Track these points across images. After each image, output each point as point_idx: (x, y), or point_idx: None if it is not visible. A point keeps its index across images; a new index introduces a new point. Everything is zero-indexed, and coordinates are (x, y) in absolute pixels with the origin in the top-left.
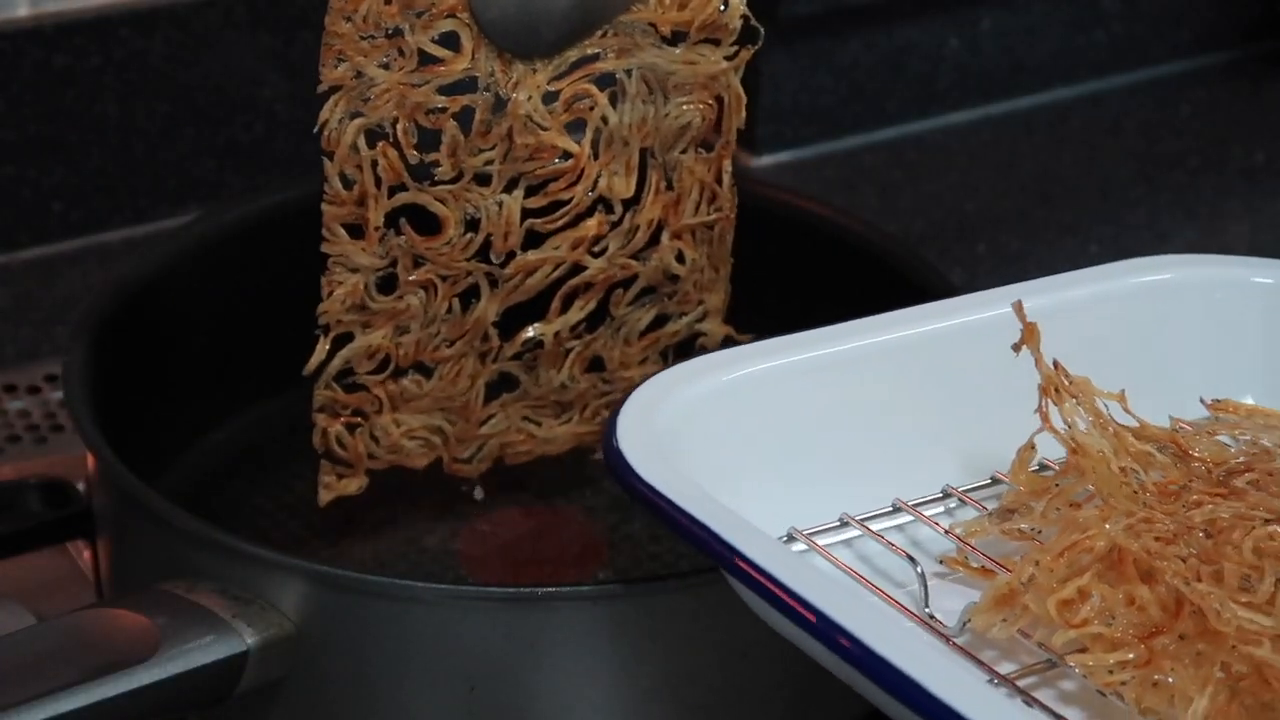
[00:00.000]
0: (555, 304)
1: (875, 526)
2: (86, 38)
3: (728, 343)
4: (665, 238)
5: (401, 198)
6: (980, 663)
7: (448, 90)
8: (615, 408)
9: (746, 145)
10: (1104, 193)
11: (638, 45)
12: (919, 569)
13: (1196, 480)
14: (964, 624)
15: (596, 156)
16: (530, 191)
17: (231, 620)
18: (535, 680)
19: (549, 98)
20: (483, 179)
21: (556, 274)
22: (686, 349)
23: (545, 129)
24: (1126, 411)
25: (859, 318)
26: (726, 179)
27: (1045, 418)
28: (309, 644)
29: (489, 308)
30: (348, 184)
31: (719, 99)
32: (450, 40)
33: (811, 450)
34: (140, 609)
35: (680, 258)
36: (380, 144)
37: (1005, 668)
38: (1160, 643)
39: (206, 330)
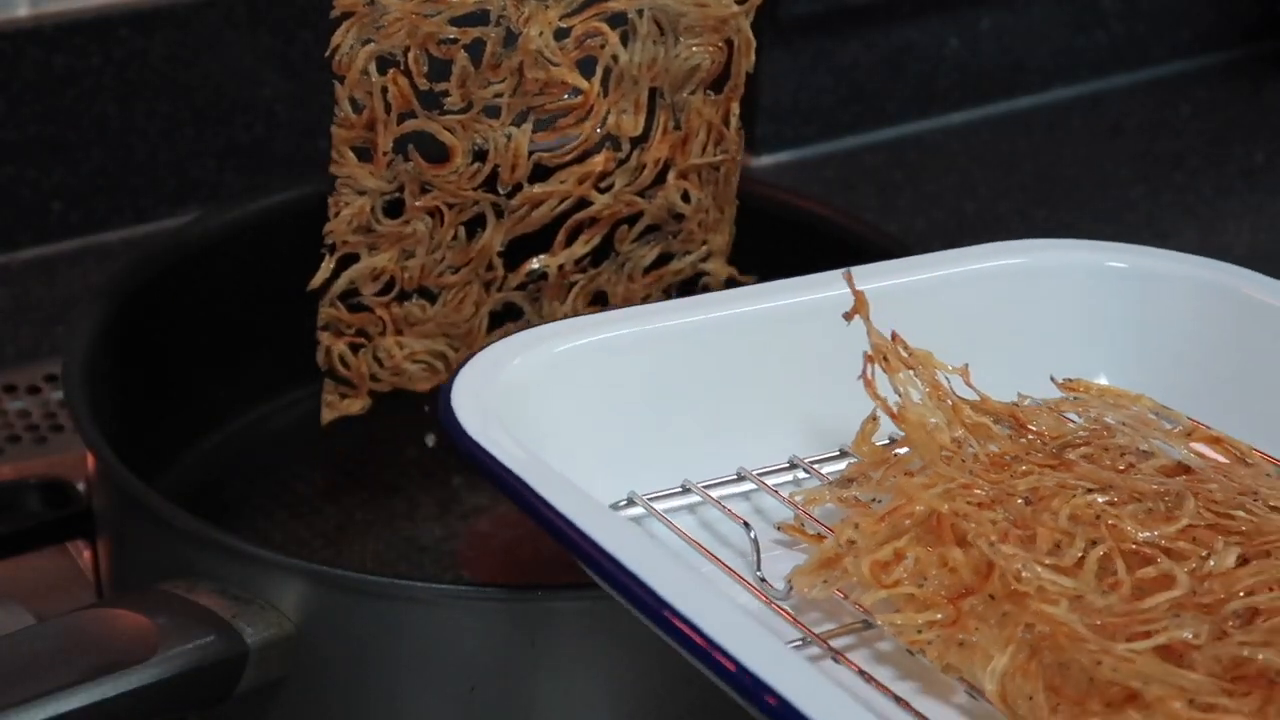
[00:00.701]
0: (560, 237)
1: (719, 493)
2: (86, 38)
3: (730, 283)
4: (671, 177)
5: (410, 124)
6: (798, 623)
7: (459, 22)
8: (455, 369)
9: (746, 145)
10: (1104, 193)
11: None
12: (752, 534)
13: (1033, 453)
14: (790, 587)
15: (606, 94)
16: (539, 126)
17: (231, 620)
18: (535, 680)
19: (560, 34)
20: (491, 111)
21: (562, 208)
22: (689, 288)
23: (556, 65)
24: (969, 385)
25: None
26: (734, 122)
27: (869, 384)
28: (309, 644)
29: (494, 237)
30: (357, 108)
31: (729, 42)
32: None
33: (659, 420)
34: (140, 609)
35: (685, 197)
36: (391, 71)
37: (827, 629)
38: (969, 603)
39: (206, 330)
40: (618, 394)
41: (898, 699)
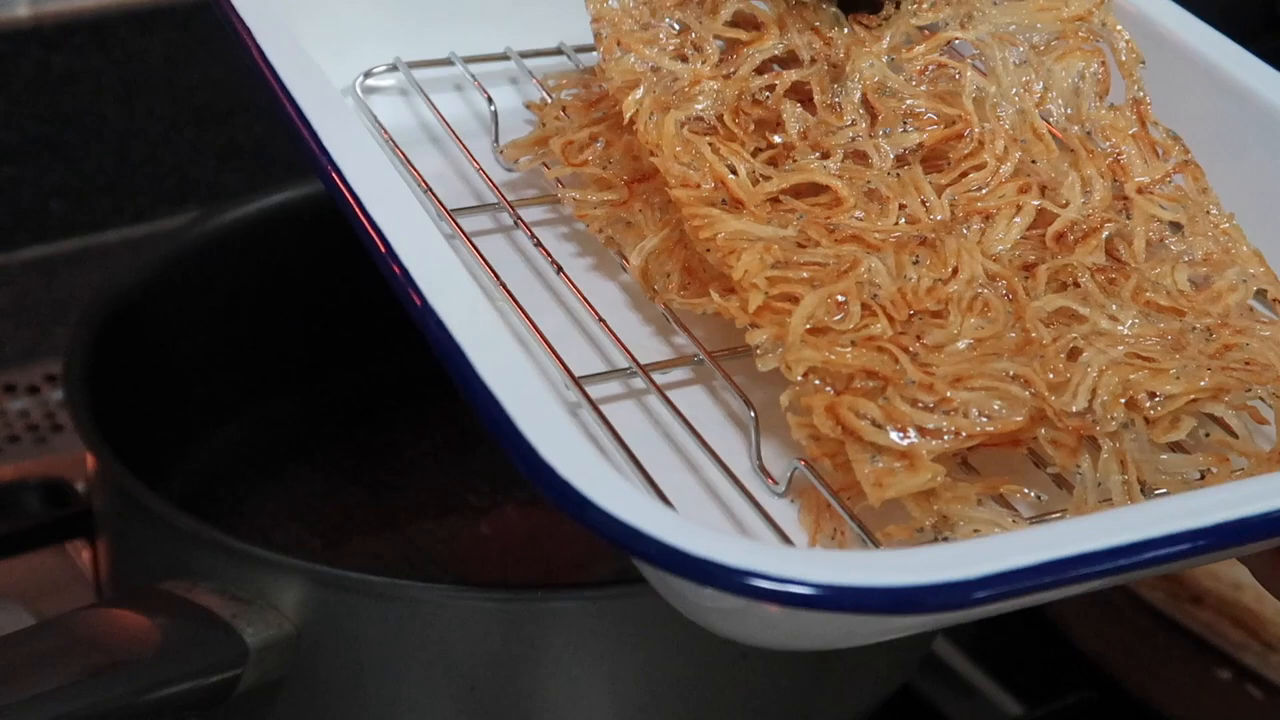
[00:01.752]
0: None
1: (483, 68)
2: (86, 38)
3: None
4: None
5: (794, 178)
6: (497, 190)
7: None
8: None
9: None
10: None
11: (976, 8)
12: (492, 107)
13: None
14: (515, 159)
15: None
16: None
17: (231, 620)
18: (535, 680)
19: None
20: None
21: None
22: None
23: (912, 96)
24: None
25: None
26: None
27: None
28: (309, 644)
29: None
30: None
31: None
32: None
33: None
34: (140, 609)
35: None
36: (710, 139)
37: (524, 197)
38: (642, 189)
39: (206, 330)
40: None
41: (556, 264)
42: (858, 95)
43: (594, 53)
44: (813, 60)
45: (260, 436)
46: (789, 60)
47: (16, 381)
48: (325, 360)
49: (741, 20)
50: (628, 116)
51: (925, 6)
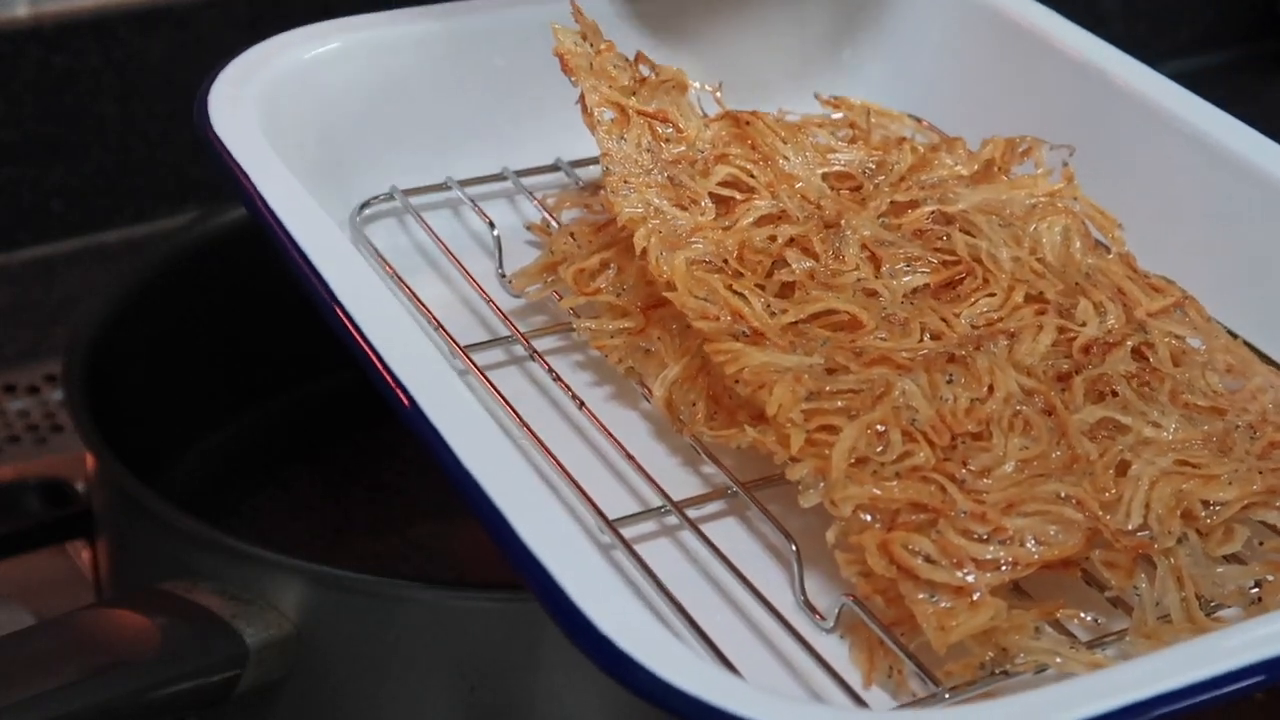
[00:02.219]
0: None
1: (481, 190)
2: (86, 38)
3: None
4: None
5: (811, 306)
6: (508, 321)
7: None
8: (216, 70)
9: None
10: None
11: (951, 189)
12: (495, 233)
13: (761, 164)
14: (523, 289)
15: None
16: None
17: (231, 620)
18: (535, 680)
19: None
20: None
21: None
22: None
23: (907, 245)
24: (718, 103)
25: None
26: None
27: (582, 98)
28: (309, 644)
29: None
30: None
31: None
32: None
33: (427, 120)
34: (140, 609)
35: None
36: (719, 276)
37: (535, 328)
38: (658, 314)
39: (206, 330)
40: (385, 94)
41: (577, 399)
42: (857, 246)
43: (591, 167)
44: (807, 217)
45: (260, 436)
46: (783, 216)
47: (16, 381)
48: (325, 360)
49: (732, 183)
50: (639, 249)
51: (900, 192)
